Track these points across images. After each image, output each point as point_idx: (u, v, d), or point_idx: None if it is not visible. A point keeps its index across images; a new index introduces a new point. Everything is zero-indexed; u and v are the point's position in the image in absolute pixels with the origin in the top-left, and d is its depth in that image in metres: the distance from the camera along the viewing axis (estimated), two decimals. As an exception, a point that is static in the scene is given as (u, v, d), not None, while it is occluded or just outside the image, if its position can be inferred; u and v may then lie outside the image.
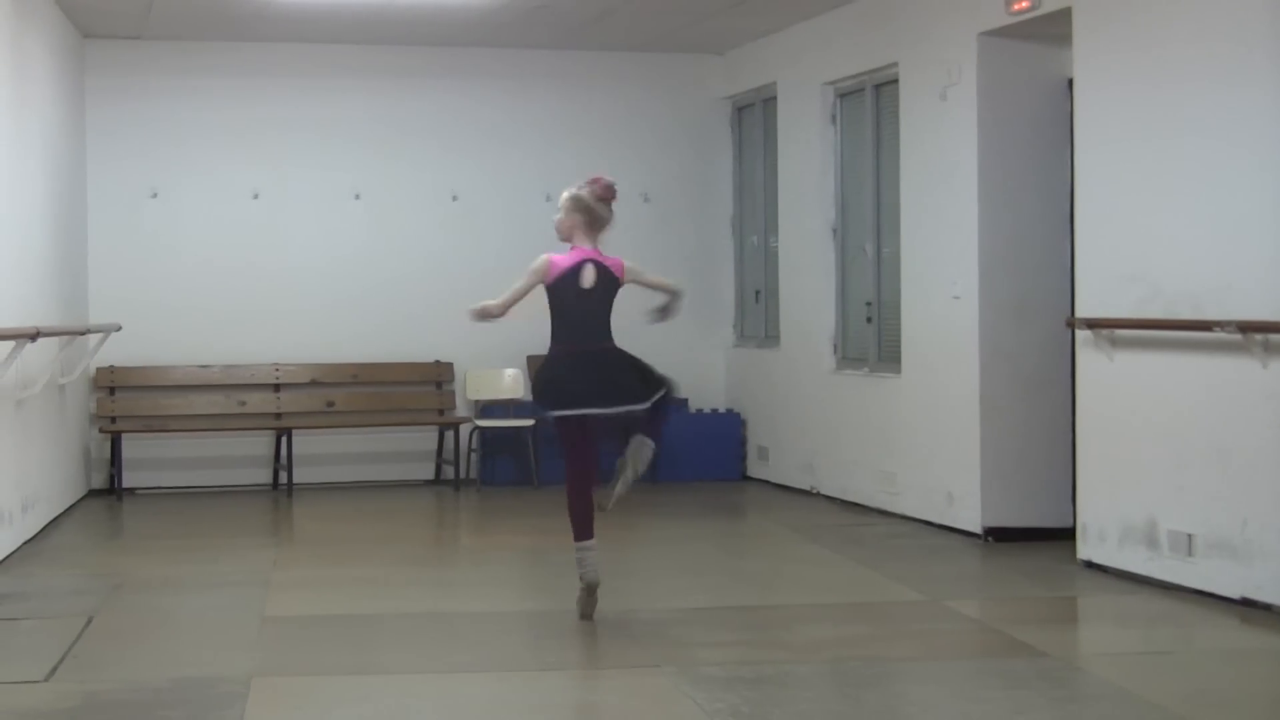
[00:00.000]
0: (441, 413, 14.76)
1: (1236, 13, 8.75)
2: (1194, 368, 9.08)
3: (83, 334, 12.80)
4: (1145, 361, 9.51)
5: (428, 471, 14.85)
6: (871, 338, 12.80)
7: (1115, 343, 9.70)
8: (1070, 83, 10.46)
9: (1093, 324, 9.79)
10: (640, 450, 8.56)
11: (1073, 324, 10.11)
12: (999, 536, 11.04)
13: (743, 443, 15.01)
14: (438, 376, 14.84)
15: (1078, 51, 10.10)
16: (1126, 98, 9.61)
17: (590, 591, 8.48)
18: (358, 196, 14.78)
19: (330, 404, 14.66)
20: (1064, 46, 10.47)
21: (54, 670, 7.48)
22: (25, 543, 11.08)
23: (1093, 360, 9.94)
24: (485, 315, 8.56)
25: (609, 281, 8.51)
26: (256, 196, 14.58)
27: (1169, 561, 9.28)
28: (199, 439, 14.44)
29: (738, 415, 15.05)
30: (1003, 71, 11.12)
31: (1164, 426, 9.30)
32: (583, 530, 8.49)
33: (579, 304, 8.45)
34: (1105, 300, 9.77)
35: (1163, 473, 9.32)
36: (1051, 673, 7.46)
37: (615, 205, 8.62)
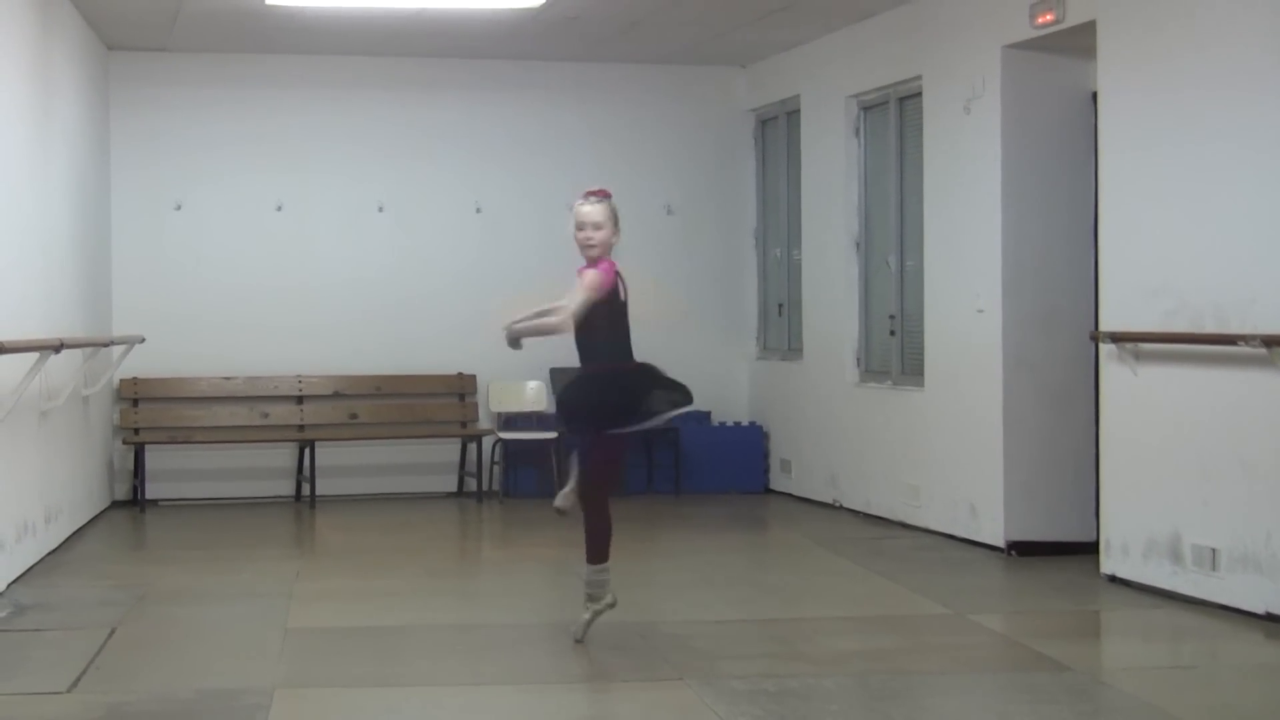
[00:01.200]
0: (464, 425, 14.77)
1: (1261, 25, 8.72)
2: (1218, 381, 9.05)
3: (106, 345, 12.83)
4: (1169, 375, 9.48)
5: (450, 484, 14.85)
6: (895, 351, 12.78)
7: (1139, 356, 9.68)
8: (1094, 95, 10.44)
9: (1117, 337, 9.77)
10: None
11: (1096, 337, 10.09)
12: (1022, 550, 11.01)
13: (765, 455, 15.00)
14: (460, 389, 14.85)
15: (1102, 64, 10.09)
16: (1151, 110, 9.59)
17: (601, 613, 8.36)
18: (381, 208, 14.80)
19: (353, 416, 14.68)
20: (1088, 59, 10.45)
21: (77, 681, 7.49)
22: (49, 554, 11.11)
23: (1117, 373, 9.92)
24: (551, 331, 8.25)
25: (627, 294, 8.31)
26: (280, 208, 14.62)
27: (1193, 576, 9.25)
28: (222, 450, 14.45)
29: (760, 428, 15.04)
30: (1027, 84, 11.11)
31: (1188, 440, 9.28)
32: (606, 552, 8.35)
33: (621, 321, 8.22)
34: (1129, 313, 9.75)
35: (1187, 486, 9.29)
36: (1076, 687, 7.43)
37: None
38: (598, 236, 8.14)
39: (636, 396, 8.15)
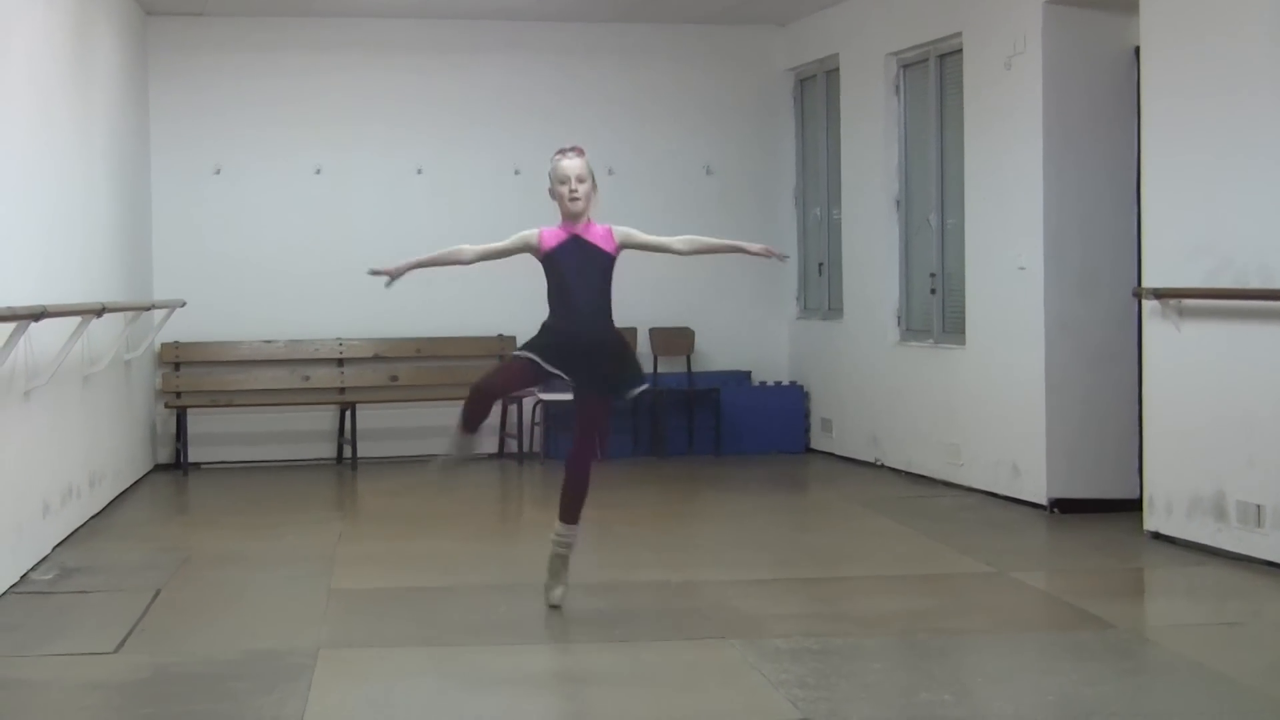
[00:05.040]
0: (505, 387, 14.76)
1: (1306, -22, 8.66)
2: (1263, 338, 8.99)
3: (148, 310, 12.88)
4: (1213, 331, 9.43)
5: (491, 445, 14.86)
6: (935, 310, 12.74)
7: (1183, 312, 9.62)
8: (1136, 51, 10.37)
9: (1160, 294, 9.71)
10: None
11: (1140, 294, 10.03)
12: (1065, 508, 10.98)
13: (806, 415, 14.98)
14: (500, 350, 14.83)
15: (1144, 20, 10.01)
16: (1193, 66, 9.52)
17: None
18: (420, 171, 14.80)
19: (394, 378, 14.71)
20: (1130, 15, 10.38)
21: (123, 642, 7.54)
22: (92, 517, 11.16)
23: (1160, 330, 9.86)
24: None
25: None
26: (319, 172, 14.63)
27: (1237, 532, 9.21)
28: (263, 414, 14.50)
29: (801, 388, 15.02)
30: (1068, 40, 11.03)
31: (1232, 397, 9.22)
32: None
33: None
34: (1172, 271, 9.69)
35: (1231, 443, 9.24)
36: (1120, 645, 7.41)
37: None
38: (582, 189, 8.01)
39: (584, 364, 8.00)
